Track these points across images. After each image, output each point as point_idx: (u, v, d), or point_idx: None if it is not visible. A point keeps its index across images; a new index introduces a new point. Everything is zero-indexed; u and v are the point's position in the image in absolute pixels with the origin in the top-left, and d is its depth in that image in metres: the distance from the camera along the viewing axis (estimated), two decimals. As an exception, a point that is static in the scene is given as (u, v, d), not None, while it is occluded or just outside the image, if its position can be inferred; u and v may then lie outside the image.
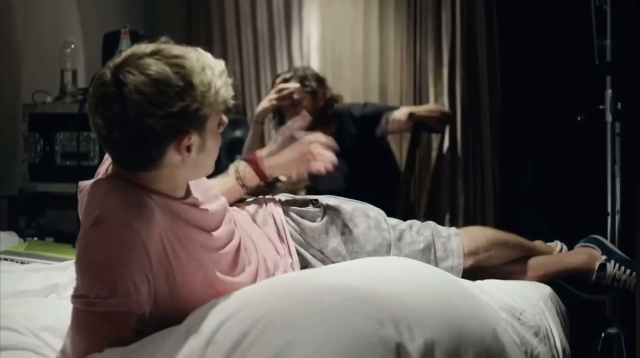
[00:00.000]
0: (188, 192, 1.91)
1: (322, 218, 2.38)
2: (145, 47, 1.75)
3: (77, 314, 1.70)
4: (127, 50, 1.76)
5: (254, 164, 2.40)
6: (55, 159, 3.67)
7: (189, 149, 1.77)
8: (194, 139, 1.77)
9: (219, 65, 1.82)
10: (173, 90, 1.70)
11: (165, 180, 1.82)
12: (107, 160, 1.94)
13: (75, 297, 1.69)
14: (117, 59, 1.73)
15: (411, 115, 3.84)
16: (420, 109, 4.04)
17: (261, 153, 2.44)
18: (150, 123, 1.69)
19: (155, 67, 1.70)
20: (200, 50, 1.83)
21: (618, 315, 2.90)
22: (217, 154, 1.91)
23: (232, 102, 1.85)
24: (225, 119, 1.89)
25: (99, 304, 1.65)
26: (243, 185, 2.39)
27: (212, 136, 1.84)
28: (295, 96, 3.87)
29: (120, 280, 1.66)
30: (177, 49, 1.77)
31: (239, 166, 2.41)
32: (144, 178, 1.80)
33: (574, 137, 3.80)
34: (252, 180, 2.39)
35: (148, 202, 1.75)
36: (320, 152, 2.41)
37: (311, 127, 3.89)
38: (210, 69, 1.78)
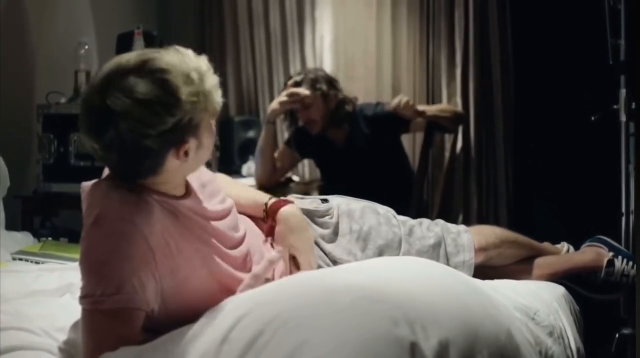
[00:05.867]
0: (188, 191, 1.92)
1: (332, 216, 2.39)
2: (128, 60, 1.73)
3: (85, 314, 1.71)
4: (110, 64, 1.74)
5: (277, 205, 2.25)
6: (69, 159, 3.68)
7: (186, 153, 1.78)
8: (191, 144, 1.78)
9: (204, 64, 1.80)
10: (163, 108, 1.69)
11: (164, 182, 1.83)
12: None
13: (82, 297, 1.71)
14: (101, 77, 1.72)
15: (423, 113, 3.86)
16: (432, 108, 4.05)
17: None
18: (147, 143, 1.70)
19: (141, 87, 1.69)
20: (181, 50, 1.80)
21: (632, 315, 2.89)
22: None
23: (221, 101, 1.84)
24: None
25: (105, 302, 1.67)
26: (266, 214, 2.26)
27: (207, 133, 1.83)
28: (307, 100, 3.88)
29: (125, 277, 1.67)
30: (161, 61, 1.73)
31: (271, 200, 2.27)
32: (143, 181, 1.81)
33: (587, 137, 3.78)
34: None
35: (147, 198, 1.78)
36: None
37: (323, 129, 3.95)
38: (196, 73, 1.76)
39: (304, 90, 3.89)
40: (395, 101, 3.86)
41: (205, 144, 1.83)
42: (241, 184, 2.46)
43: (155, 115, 1.69)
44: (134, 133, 1.68)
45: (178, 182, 1.88)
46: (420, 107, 3.95)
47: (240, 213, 2.16)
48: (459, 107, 4.32)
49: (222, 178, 2.27)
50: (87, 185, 1.85)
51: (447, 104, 4.37)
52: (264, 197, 2.29)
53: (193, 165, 1.87)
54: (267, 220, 2.24)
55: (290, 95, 3.90)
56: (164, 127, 1.70)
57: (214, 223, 1.93)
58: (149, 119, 1.68)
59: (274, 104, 3.97)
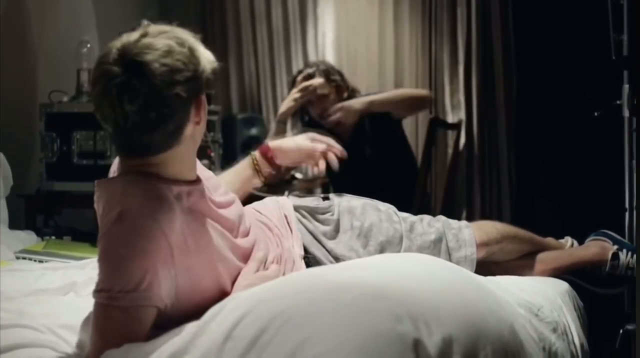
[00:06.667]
0: (199, 178, 1.93)
1: (333, 214, 2.40)
2: (131, 35, 1.77)
3: (98, 308, 1.70)
4: (115, 43, 1.76)
5: (265, 151, 2.45)
6: (72, 158, 3.67)
7: (199, 113, 1.82)
8: (203, 100, 1.84)
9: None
10: (184, 56, 1.75)
11: (175, 160, 1.83)
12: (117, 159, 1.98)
13: (98, 291, 1.70)
14: (112, 53, 1.73)
15: (369, 104, 3.83)
16: (381, 97, 3.97)
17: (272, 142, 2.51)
18: (178, 91, 1.73)
19: (158, 42, 1.74)
20: None
21: (637, 311, 2.88)
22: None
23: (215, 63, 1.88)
24: None
25: (122, 298, 1.66)
26: (259, 172, 2.43)
27: (204, 104, 1.88)
28: (322, 91, 3.87)
29: (144, 275, 1.67)
30: (158, 27, 1.81)
31: (255, 155, 2.45)
32: (157, 165, 1.81)
33: (590, 133, 3.78)
34: (266, 167, 2.44)
35: (167, 194, 1.78)
36: (329, 156, 2.47)
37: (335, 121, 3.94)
38: (192, 39, 1.82)
39: (317, 80, 3.88)
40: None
41: (202, 116, 1.86)
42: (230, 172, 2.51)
43: (180, 62, 1.74)
44: (167, 81, 1.71)
45: (191, 160, 1.89)
46: (368, 99, 3.91)
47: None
48: (424, 90, 4.26)
49: None
50: (102, 181, 1.85)
51: (410, 88, 4.34)
52: (246, 159, 2.45)
53: (198, 139, 1.89)
54: (260, 173, 2.43)
55: (304, 89, 3.87)
56: (188, 74, 1.75)
57: (221, 211, 1.95)
58: (177, 66, 1.73)
59: (288, 102, 3.94)
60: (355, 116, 3.80)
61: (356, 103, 3.81)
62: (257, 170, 2.42)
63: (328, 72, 3.93)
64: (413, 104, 4.08)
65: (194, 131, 1.83)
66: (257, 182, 2.43)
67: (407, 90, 4.21)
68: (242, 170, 2.44)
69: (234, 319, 1.55)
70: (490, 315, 1.67)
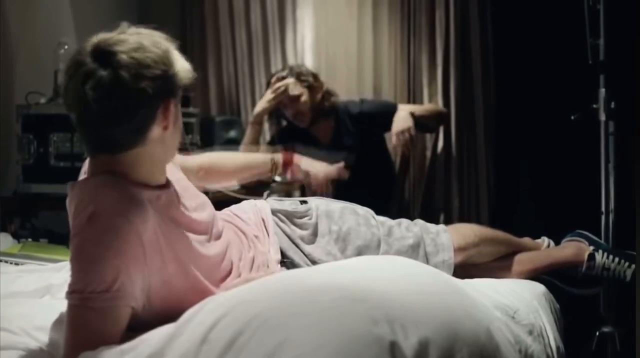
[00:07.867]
0: (169, 182, 1.94)
1: (311, 218, 2.40)
2: (106, 34, 1.78)
3: (71, 310, 1.69)
4: (91, 40, 1.78)
5: (289, 157, 2.69)
6: (49, 160, 3.65)
7: (167, 118, 1.81)
8: (173, 107, 1.82)
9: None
10: (155, 54, 1.76)
11: (145, 161, 1.83)
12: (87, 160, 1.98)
13: (71, 293, 1.69)
14: (87, 47, 1.75)
15: (412, 116, 3.87)
16: (418, 110, 4.05)
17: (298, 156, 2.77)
18: (143, 86, 1.73)
19: (132, 39, 1.75)
20: None
21: (612, 313, 2.91)
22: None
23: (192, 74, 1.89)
24: None
25: (95, 299, 1.66)
26: (271, 171, 2.63)
27: (178, 111, 1.88)
28: (295, 92, 3.88)
29: (116, 274, 1.66)
30: (137, 29, 1.82)
31: (275, 156, 2.66)
32: (126, 164, 1.81)
33: (567, 137, 3.80)
34: (278, 172, 2.67)
35: (140, 195, 1.78)
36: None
37: (312, 121, 3.95)
38: (168, 44, 1.84)
39: (288, 80, 3.89)
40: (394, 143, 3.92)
41: (179, 119, 1.88)
42: (235, 154, 2.58)
43: (151, 59, 1.75)
44: (133, 73, 1.71)
45: (156, 166, 1.89)
46: (408, 110, 3.95)
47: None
48: (441, 106, 4.33)
49: (216, 155, 2.56)
50: (75, 183, 1.84)
51: (429, 103, 4.38)
52: (265, 156, 2.68)
53: (170, 145, 1.89)
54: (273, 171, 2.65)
55: (276, 90, 3.89)
56: (156, 71, 1.75)
57: (192, 214, 1.95)
58: (146, 61, 1.74)
59: (262, 104, 3.95)
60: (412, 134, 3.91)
61: (406, 122, 3.90)
62: (272, 171, 2.62)
63: (300, 74, 3.95)
64: (441, 119, 4.24)
65: (163, 136, 1.82)
66: (263, 176, 2.66)
67: (433, 106, 4.28)
68: (258, 165, 2.62)
69: (211, 321, 1.55)
70: (467, 318, 1.68)
